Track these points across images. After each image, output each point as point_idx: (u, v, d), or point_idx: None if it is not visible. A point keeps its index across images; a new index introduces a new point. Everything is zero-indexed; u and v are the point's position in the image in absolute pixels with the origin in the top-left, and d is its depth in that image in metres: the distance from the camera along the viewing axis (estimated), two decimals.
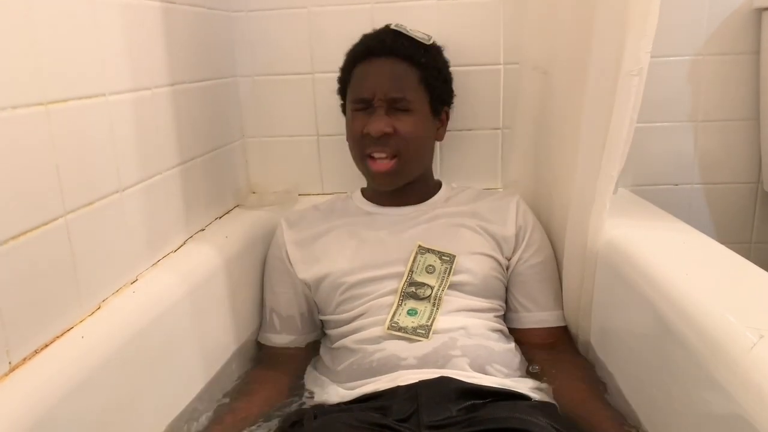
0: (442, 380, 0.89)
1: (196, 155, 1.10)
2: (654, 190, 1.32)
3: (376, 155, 1.06)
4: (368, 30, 1.15)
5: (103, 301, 0.82)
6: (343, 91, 1.15)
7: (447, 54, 1.17)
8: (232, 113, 1.31)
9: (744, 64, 1.25)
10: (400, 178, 1.09)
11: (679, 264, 0.84)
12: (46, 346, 0.71)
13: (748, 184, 1.31)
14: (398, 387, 0.88)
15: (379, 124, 1.04)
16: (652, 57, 0.88)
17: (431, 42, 1.11)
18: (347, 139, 1.13)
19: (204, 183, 1.14)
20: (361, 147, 1.07)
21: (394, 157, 1.05)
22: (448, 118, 1.17)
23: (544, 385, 0.99)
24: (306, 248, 1.10)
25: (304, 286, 1.09)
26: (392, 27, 1.11)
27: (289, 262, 1.10)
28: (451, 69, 1.17)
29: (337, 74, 1.16)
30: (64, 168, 0.74)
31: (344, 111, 1.16)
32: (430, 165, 1.17)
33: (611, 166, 0.93)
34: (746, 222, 1.33)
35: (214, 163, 1.19)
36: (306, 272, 1.08)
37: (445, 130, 1.16)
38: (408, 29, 1.10)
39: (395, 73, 1.06)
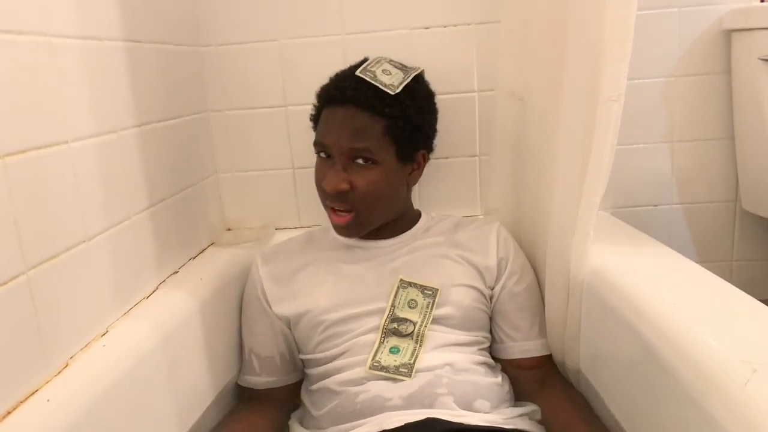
0: (429, 422, 0.87)
1: (167, 195, 1.07)
2: (633, 211, 1.32)
3: (335, 207, 1.02)
4: (341, 61, 1.12)
5: (71, 358, 0.78)
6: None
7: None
8: (204, 149, 1.28)
9: (716, 84, 1.26)
10: (359, 229, 1.04)
11: (665, 293, 0.83)
12: (9, 413, 0.66)
13: (726, 203, 1.31)
14: (384, 431, 0.86)
15: (333, 181, 0.99)
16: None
17: (398, 91, 1.01)
18: None
19: (176, 223, 1.10)
20: (322, 197, 1.04)
21: (350, 211, 1.01)
22: (426, 160, 1.10)
23: (533, 411, 0.98)
24: (283, 284, 1.07)
25: (283, 325, 1.06)
26: (357, 73, 1.03)
27: (266, 299, 1.07)
28: None
29: (311, 106, 1.13)
30: (24, 222, 0.70)
31: None
32: (403, 205, 1.11)
33: (593, 193, 0.92)
34: (726, 240, 1.33)
35: (186, 202, 1.15)
36: (284, 309, 1.05)
37: (421, 173, 1.09)
38: (378, 72, 1.03)
39: (356, 125, 0.99)
